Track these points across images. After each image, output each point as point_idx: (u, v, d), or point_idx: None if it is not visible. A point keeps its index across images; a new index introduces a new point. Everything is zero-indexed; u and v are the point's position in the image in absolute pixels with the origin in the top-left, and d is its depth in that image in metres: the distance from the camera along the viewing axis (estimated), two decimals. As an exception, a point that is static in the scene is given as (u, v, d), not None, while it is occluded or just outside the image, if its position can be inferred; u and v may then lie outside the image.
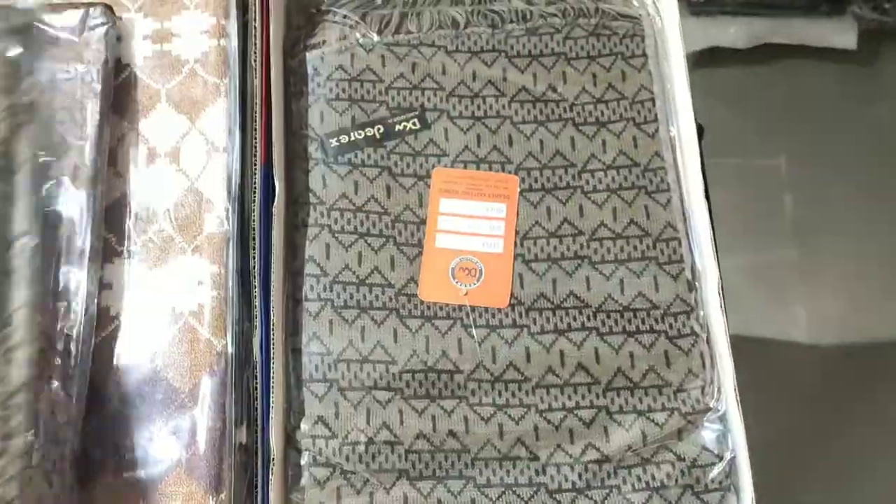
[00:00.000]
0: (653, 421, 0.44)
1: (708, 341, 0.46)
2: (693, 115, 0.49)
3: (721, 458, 0.44)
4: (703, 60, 1.48)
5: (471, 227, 0.48)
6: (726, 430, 0.44)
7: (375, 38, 0.52)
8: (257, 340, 0.45)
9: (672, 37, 0.51)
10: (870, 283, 1.36)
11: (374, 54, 0.51)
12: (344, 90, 0.50)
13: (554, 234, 0.48)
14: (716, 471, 0.43)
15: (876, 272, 1.37)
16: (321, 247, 0.47)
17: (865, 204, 1.41)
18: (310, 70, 0.51)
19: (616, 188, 0.49)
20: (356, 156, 0.49)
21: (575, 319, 0.46)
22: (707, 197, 0.47)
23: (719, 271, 0.45)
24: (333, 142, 0.49)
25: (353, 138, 0.49)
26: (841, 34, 1.45)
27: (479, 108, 0.51)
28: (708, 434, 0.44)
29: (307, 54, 0.52)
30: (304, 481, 0.44)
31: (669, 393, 0.45)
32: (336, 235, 0.47)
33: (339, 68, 0.51)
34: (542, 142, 0.50)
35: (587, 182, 0.49)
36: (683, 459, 0.44)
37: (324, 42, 0.52)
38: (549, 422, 0.45)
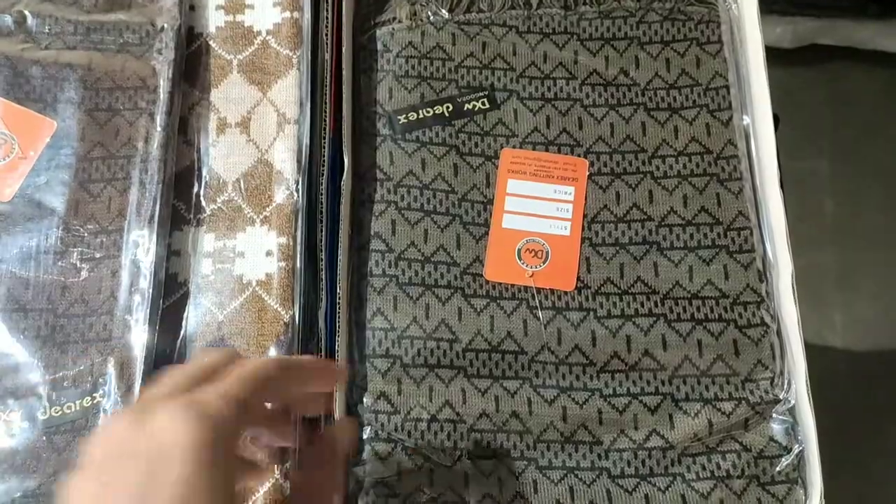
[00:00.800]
0: (719, 410, 0.44)
1: (778, 333, 0.45)
2: (770, 104, 0.48)
3: (789, 451, 0.43)
4: (747, 59, 1.46)
5: (538, 209, 0.48)
6: (795, 423, 0.44)
7: (446, 15, 0.51)
8: (322, 313, 0.45)
9: (750, 23, 0.50)
10: (909, 291, 1.34)
11: (444, 32, 0.51)
12: (413, 67, 0.50)
13: (622, 219, 0.48)
14: (784, 463, 0.43)
15: (916, 279, 1.35)
16: (387, 223, 0.47)
17: (907, 210, 1.39)
18: (380, 46, 0.51)
19: (687, 175, 0.48)
20: (424, 133, 0.49)
21: (642, 305, 0.46)
22: (782, 187, 0.46)
23: (792, 263, 0.45)
24: (402, 118, 0.49)
25: (421, 115, 0.49)
26: (889, 37, 1.43)
27: (549, 89, 0.50)
28: (776, 426, 0.44)
29: (377, 31, 0.51)
30: (365, 455, 0.44)
31: (737, 382, 0.44)
32: (402, 212, 0.47)
33: (409, 45, 0.50)
34: (612, 126, 0.50)
35: (657, 168, 0.49)
36: (750, 450, 0.43)
37: (394, 19, 0.51)
38: (613, 406, 0.44)
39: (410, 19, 0.51)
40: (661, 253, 0.47)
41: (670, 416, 0.44)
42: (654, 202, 0.48)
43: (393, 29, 0.51)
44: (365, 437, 0.44)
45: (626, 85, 0.50)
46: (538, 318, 0.45)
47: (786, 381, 0.44)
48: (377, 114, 0.49)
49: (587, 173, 0.48)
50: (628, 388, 0.44)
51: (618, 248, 0.47)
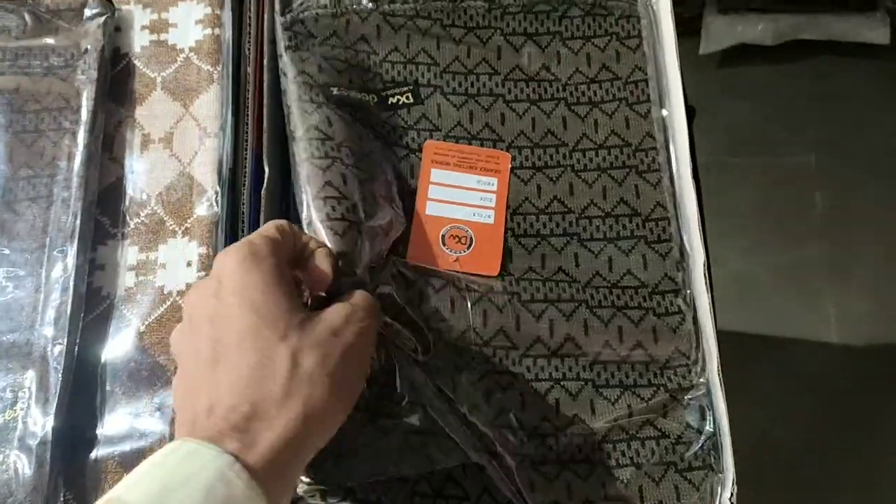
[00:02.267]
0: (638, 396, 0.44)
1: (694, 320, 0.45)
2: (683, 96, 0.48)
3: (704, 436, 0.43)
4: (730, 58, 1.46)
5: (462, 198, 0.48)
6: (710, 408, 0.44)
7: (370, 5, 0.51)
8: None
9: (664, 16, 0.50)
10: (901, 282, 1.33)
11: (369, 24, 0.51)
12: (339, 55, 0.50)
13: (544, 210, 0.48)
14: (695, 447, 0.43)
15: (908, 271, 1.34)
16: (337, 175, 0.45)
17: (897, 201, 1.38)
18: (302, 29, 0.50)
19: (607, 167, 0.49)
20: (355, 113, 0.49)
21: (564, 291, 0.46)
22: (696, 178, 0.47)
23: (706, 252, 0.45)
24: (335, 90, 0.49)
25: (350, 95, 0.49)
26: (873, 29, 1.42)
27: (472, 85, 0.51)
28: (692, 413, 0.44)
29: (304, 13, 0.51)
30: None
31: (655, 369, 0.44)
32: (350, 168, 0.46)
33: (333, 34, 0.51)
34: (534, 120, 0.50)
35: (578, 161, 0.49)
36: (668, 436, 0.43)
37: (318, 2, 0.51)
38: (535, 391, 0.44)
39: (335, 5, 0.51)
40: (581, 244, 0.47)
41: (591, 402, 0.44)
42: (574, 194, 0.48)
43: (317, 14, 0.51)
44: None
45: (547, 80, 0.51)
46: (465, 300, 0.46)
47: (699, 368, 0.44)
48: (309, 85, 0.48)
49: (510, 166, 0.49)
50: (550, 373, 0.45)
51: (539, 238, 0.47)
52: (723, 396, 0.42)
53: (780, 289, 1.33)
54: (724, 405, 0.42)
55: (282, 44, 0.50)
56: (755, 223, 1.38)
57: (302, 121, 0.47)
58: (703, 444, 0.43)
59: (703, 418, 0.43)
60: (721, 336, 0.45)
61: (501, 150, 0.49)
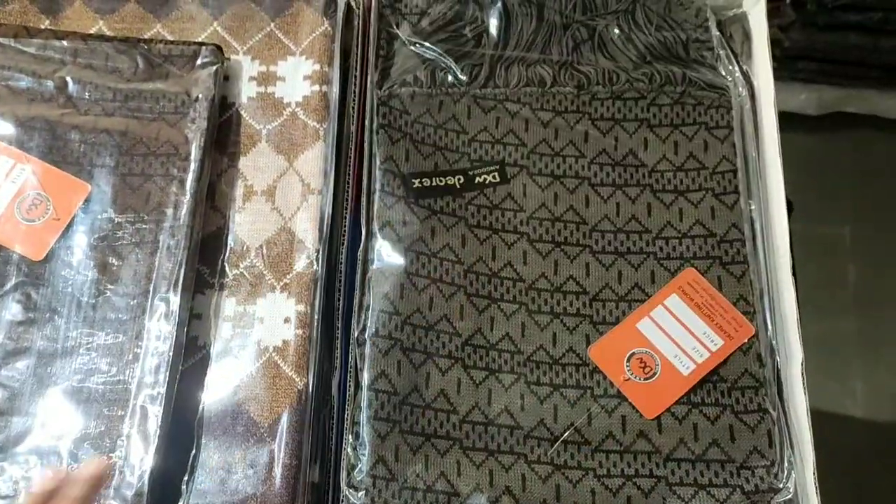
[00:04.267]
0: (713, 497, 0.44)
1: (782, 420, 0.45)
2: (784, 190, 0.49)
3: None
4: (772, 124, 1.47)
5: (678, 336, 0.47)
6: None
7: (465, 81, 0.52)
8: (336, 381, 0.46)
9: (766, 108, 0.51)
10: (931, 362, 1.32)
11: (461, 104, 0.52)
12: (429, 136, 0.51)
13: (623, 298, 0.48)
14: None
15: (938, 350, 1.34)
16: (395, 287, 0.48)
17: (931, 280, 1.38)
18: (398, 105, 0.52)
19: (690, 257, 0.49)
20: (435, 202, 0.50)
21: None
22: (794, 275, 0.47)
23: (803, 350, 0.45)
24: (416, 182, 0.50)
25: (434, 183, 0.50)
26: (914, 107, 1.43)
27: (558, 166, 0.52)
28: None
29: (399, 89, 0.52)
30: None
31: (732, 469, 0.44)
32: (410, 277, 0.48)
33: (426, 112, 0.52)
34: (618, 205, 0.51)
35: (661, 249, 0.50)
36: None
37: (416, 80, 0.53)
38: (606, 487, 0.44)
39: (432, 87, 0.52)
40: None
41: (664, 500, 0.44)
42: (655, 282, 0.49)
43: (414, 91, 0.52)
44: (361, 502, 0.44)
45: (633, 165, 0.52)
46: (535, 395, 0.46)
47: (784, 471, 0.44)
48: (393, 173, 0.50)
49: (745, 341, 0.47)
50: (622, 469, 0.45)
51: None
52: (817, 501, 0.42)
53: (808, 361, 1.33)
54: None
55: (375, 121, 0.51)
56: (786, 290, 1.38)
57: (379, 213, 0.49)
58: None
59: None
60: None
61: (584, 233, 0.50)
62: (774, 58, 1.60)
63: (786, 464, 0.44)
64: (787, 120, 1.60)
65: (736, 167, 0.51)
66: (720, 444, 0.45)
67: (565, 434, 0.45)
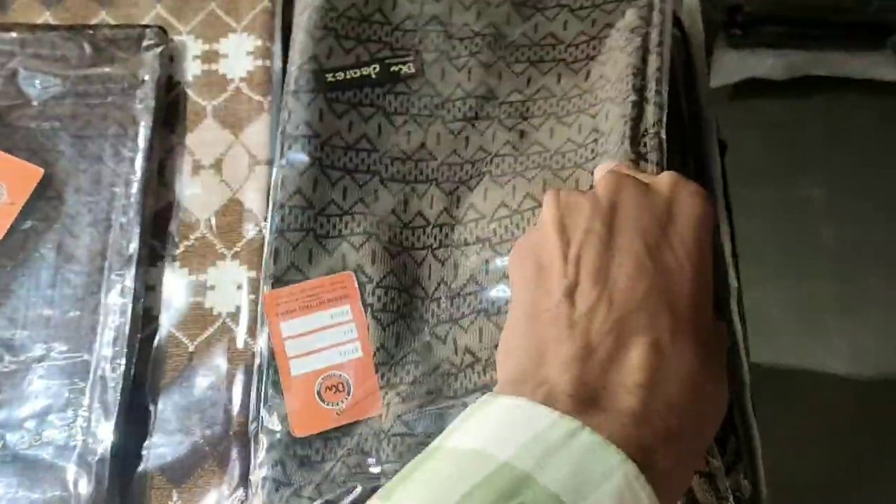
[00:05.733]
0: None
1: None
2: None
3: None
4: (740, 92, 1.48)
5: (323, 341, 0.45)
6: None
7: None
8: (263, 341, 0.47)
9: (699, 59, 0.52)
10: (911, 316, 1.34)
11: None
12: (353, 29, 0.52)
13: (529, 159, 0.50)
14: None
15: (917, 305, 1.35)
16: (308, 182, 0.48)
17: (906, 236, 1.40)
18: (325, 3, 0.52)
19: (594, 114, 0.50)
20: (355, 95, 0.50)
21: None
22: (729, 210, 0.48)
23: (739, 283, 0.46)
24: (330, 77, 0.50)
25: (348, 76, 0.51)
26: (881, 67, 1.45)
27: (476, 45, 0.52)
28: None
29: None
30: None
31: None
32: (325, 171, 0.48)
33: (353, 6, 0.52)
34: (529, 79, 0.51)
35: (562, 108, 0.51)
36: None
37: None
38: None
39: None
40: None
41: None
42: (553, 138, 0.50)
43: None
44: None
45: (550, 45, 0.52)
46: None
47: None
48: (311, 71, 0.50)
49: (356, 286, 0.46)
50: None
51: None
52: (755, 426, 0.43)
53: (790, 323, 1.34)
54: (757, 434, 0.43)
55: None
56: (763, 256, 1.39)
57: (295, 114, 0.49)
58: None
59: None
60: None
61: (494, 105, 0.51)
62: (737, 24, 1.61)
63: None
64: (755, 86, 1.62)
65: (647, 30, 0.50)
66: None
67: None
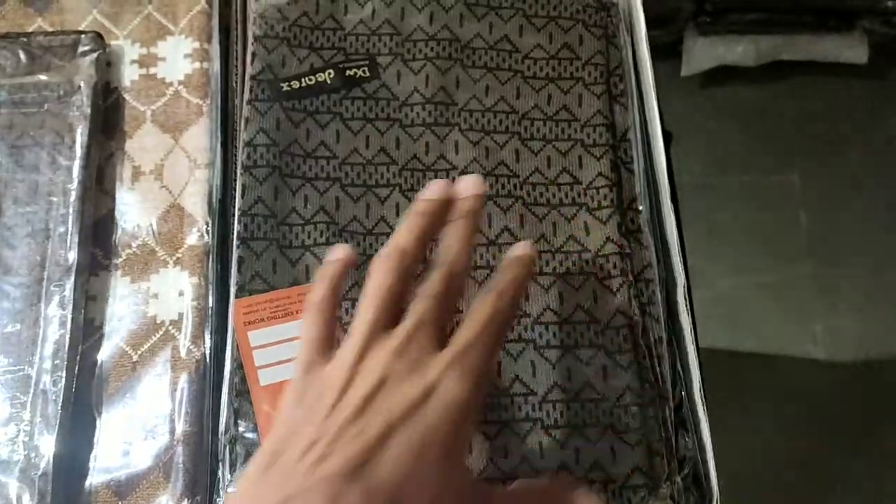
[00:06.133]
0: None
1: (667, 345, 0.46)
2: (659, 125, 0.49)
3: None
4: (712, 79, 1.48)
5: (294, 351, 0.42)
6: None
7: None
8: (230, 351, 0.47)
9: (641, 42, 0.52)
10: (888, 298, 1.34)
11: (338, 3, 0.53)
12: (306, 38, 0.52)
13: (490, 173, 0.50)
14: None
15: (894, 286, 1.36)
16: (269, 190, 0.48)
17: (881, 218, 1.40)
18: (275, 14, 0.52)
19: (552, 139, 0.51)
20: (311, 102, 0.50)
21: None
22: (675, 202, 0.48)
23: (686, 275, 0.46)
24: (285, 86, 0.50)
25: (304, 84, 0.50)
26: (851, 49, 1.45)
27: (432, 49, 0.52)
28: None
29: None
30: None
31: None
32: (285, 180, 0.48)
33: (304, 15, 0.52)
34: (488, 87, 0.51)
35: (525, 129, 0.51)
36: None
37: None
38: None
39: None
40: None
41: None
42: (519, 161, 0.50)
43: None
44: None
45: (507, 50, 0.52)
46: None
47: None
48: (265, 82, 0.51)
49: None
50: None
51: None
52: (705, 419, 0.43)
53: (768, 308, 1.35)
54: (706, 428, 0.43)
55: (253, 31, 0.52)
56: (741, 243, 1.40)
57: (251, 122, 0.49)
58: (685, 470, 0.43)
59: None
60: (708, 356, 0.45)
61: (453, 112, 0.50)
62: (706, 12, 1.61)
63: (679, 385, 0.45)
64: (727, 73, 1.62)
65: (608, 62, 0.52)
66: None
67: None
